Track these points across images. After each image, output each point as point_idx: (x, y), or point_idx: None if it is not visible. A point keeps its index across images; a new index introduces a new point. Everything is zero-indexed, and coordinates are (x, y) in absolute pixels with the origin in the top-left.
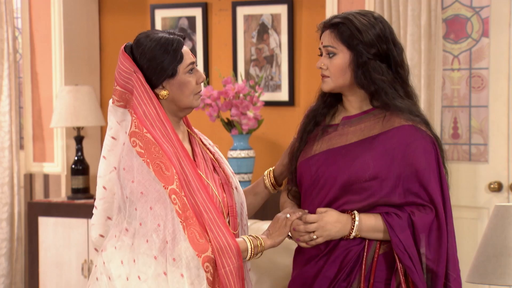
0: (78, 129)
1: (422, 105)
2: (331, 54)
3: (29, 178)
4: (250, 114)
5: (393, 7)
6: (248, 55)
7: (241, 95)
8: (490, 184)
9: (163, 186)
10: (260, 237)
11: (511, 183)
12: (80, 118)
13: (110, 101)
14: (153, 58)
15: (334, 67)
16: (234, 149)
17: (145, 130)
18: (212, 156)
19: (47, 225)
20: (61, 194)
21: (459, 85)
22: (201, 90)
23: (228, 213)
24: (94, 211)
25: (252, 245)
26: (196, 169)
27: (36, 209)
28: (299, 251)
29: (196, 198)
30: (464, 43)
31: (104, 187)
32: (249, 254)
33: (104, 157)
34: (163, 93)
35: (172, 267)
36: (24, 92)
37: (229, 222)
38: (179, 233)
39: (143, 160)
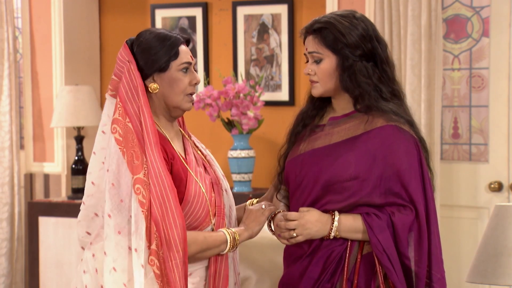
0: (78, 129)
1: (422, 104)
2: (317, 60)
3: (29, 178)
4: (250, 114)
5: (393, 7)
6: (248, 55)
7: (241, 95)
8: (491, 184)
9: (131, 177)
10: (236, 230)
11: (511, 183)
12: (80, 118)
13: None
14: (148, 49)
15: (322, 72)
16: (234, 149)
17: (127, 120)
18: (203, 158)
19: (47, 225)
20: (61, 194)
21: (459, 85)
22: (193, 93)
23: (215, 213)
24: (81, 207)
25: (231, 237)
26: (163, 161)
27: (37, 209)
28: (286, 250)
29: (156, 185)
30: (465, 43)
31: (93, 183)
32: (228, 246)
33: (94, 153)
34: (152, 86)
35: (135, 258)
36: (24, 92)
37: (215, 222)
38: (141, 223)
39: (119, 148)
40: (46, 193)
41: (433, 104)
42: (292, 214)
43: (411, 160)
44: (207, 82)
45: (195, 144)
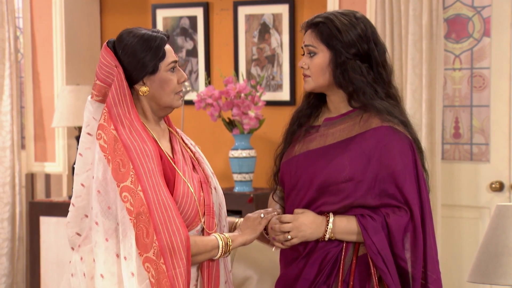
0: (80, 128)
1: (424, 104)
2: (311, 54)
3: (31, 177)
4: (252, 113)
5: (395, 6)
6: (250, 54)
7: (242, 94)
8: (492, 183)
9: (117, 185)
10: (229, 236)
11: None
12: (81, 117)
13: (89, 97)
14: (135, 54)
15: (315, 66)
16: (236, 148)
17: (112, 127)
18: (192, 155)
19: (48, 224)
20: (62, 193)
21: (461, 84)
22: (182, 90)
23: (205, 212)
24: (70, 208)
25: (223, 242)
26: (161, 166)
27: (38, 209)
28: (282, 252)
29: (155, 194)
30: (466, 42)
31: (82, 184)
32: (220, 251)
33: (80, 154)
34: (143, 89)
35: (124, 266)
36: (26, 91)
37: (204, 221)
38: (130, 231)
39: (104, 155)
40: (47, 193)
41: (434, 104)
42: (287, 217)
43: (406, 161)
44: (208, 82)
45: (183, 141)
